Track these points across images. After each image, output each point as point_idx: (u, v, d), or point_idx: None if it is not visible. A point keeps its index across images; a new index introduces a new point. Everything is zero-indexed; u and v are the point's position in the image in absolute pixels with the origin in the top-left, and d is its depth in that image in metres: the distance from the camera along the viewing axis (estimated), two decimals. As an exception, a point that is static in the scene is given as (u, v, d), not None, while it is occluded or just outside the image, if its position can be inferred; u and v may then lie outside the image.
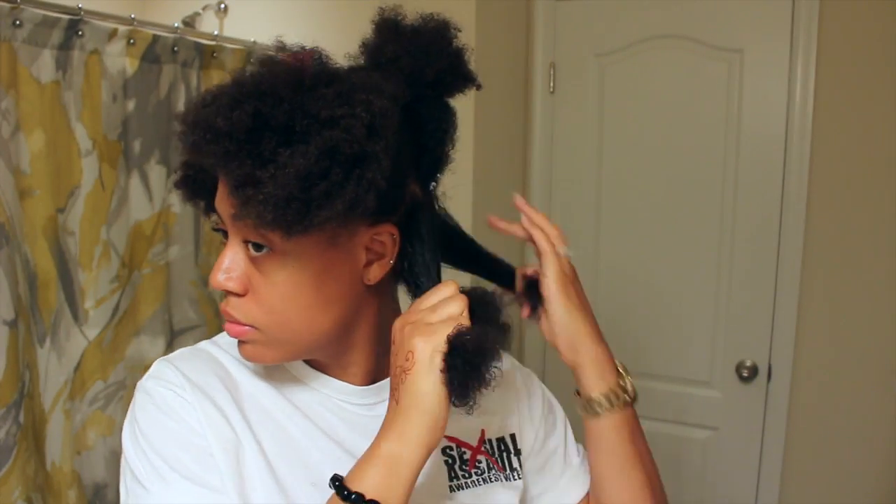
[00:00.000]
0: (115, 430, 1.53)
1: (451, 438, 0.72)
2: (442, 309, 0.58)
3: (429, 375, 0.55)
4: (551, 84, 2.08)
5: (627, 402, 0.71)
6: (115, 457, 1.51)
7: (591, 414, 0.70)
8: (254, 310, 0.60)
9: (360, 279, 0.62)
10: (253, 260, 0.59)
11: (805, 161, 1.80)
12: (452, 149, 0.67)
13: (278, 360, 0.64)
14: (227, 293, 0.61)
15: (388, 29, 0.63)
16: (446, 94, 0.65)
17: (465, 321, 0.57)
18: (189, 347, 0.70)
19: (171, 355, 0.69)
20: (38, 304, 1.39)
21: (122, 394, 1.55)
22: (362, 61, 0.64)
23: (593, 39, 2.02)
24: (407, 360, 0.56)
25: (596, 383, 0.69)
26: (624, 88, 2.00)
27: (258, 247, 0.58)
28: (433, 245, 0.64)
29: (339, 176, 0.52)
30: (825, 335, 1.83)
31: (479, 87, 0.67)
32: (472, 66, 0.67)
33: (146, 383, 0.66)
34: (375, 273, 0.62)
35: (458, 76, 0.65)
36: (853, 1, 1.72)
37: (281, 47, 0.60)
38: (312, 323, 0.61)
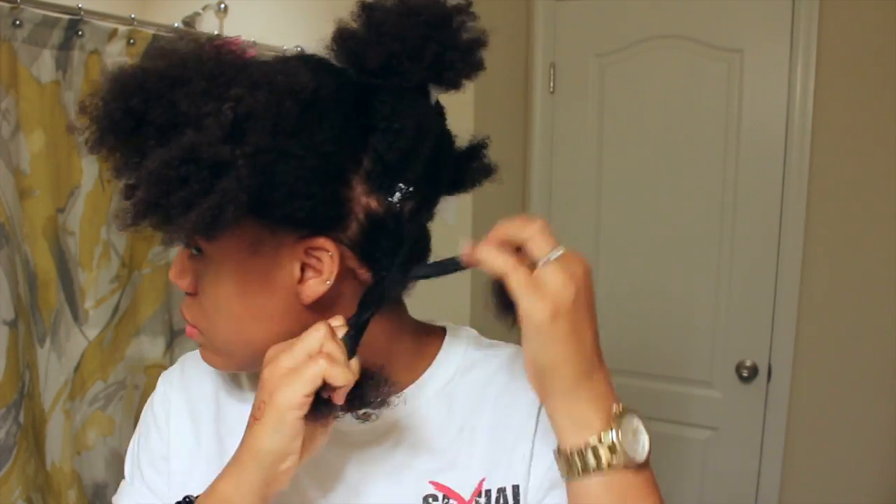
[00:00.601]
0: (115, 430, 1.53)
1: (440, 486, 0.61)
2: (299, 347, 0.50)
3: (274, 434, 0.50)
4: (551, 84, 2.08)
5: (610, 465, 0.52)
6: (115, 457, 1.51)
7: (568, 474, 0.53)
8: (196, 312, 0.58)
9: (297, 297, 0.55)
10: (192, 261, 0.57)
11: (805, 161, 1.80)
12: (416, 155, 0.54)
13: (228, 368, 0.62)
14: (185, 292, 0.60)
15: (357, 8, 0.56)
16: (407, 83, 0.54)
17: (332, 358, 0.50)
18: None
19: (196, 351, 0.70)
20: (38, 304, 1.39)
21: (123, 394, 1.55)
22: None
23: (593, 39, 2.02)
24: (259, 408, 0.51)
25: (566, 435, 0.53)
26: (624, 88, 2.00)
27: (197, 249, 0.56)
28: (407, 257, 0.55)
29: (202, 184, 0.46)
30: (825, 335, 1.83)
31: (476, 69, 0.57)
32: (482, 51, 0.56)
33: (163, 375, 0.70)
34: (310, 292, 0.54)
35: (420, 63, 0.53)
36: (853, 1, 1.72)
37: (181, 35, 0.54)
38: (243, 336, 0.57)
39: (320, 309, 0.55)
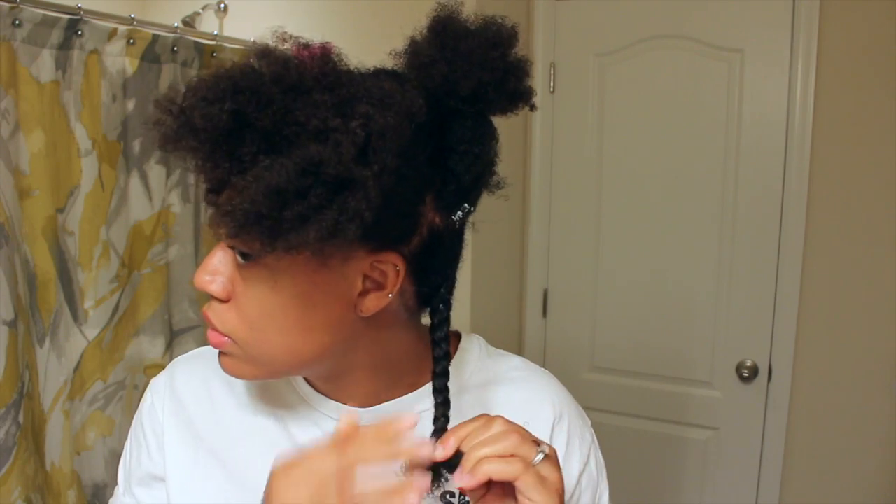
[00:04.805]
0: (114, 430, 1.53)
1: None
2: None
3: None
4: (551, 84, 2.07)
5: None
6: (114, 457, 1.51)
7: None
8: (233, 320, 0.55)
9: (354, 308, 0.55)
10: (239, 267, 0.54)
11: (805, 161, 1.80)
12: (489, 175, 0.58)
13: (257, 378, 0.60)
14: (211, 297, 0.56)
15: (436, 28, 0.55)
16: (488, 111, 0.57)
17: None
18: (208, 348, 0.67)
19: (187, 354, 0.72)
20: (38, 304, 1.39)
21: (122, 394, 1.55)
22: (404, 60, 0.57)
23: (593, 39, 2.02)
24: None
25: None
26: (624, 88, 2.00)
27: (244, 255, 0.53)
28: (451, 279, 0.58)
29: (319, 199, 0.45)
30: (825, 335, 1.83)
31: (532, 108, 0.59)
32: (532, 80, 0.58)
33: (150, 383, 0.70)
34: (371, 305, 0.55)
35: (504, 93, 0.56)
36: (853, 1, 1.72)
37: (284, 38, 0.52)
38: (292, 347, 0.55)
39: (370, 318, 0.56)
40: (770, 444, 1.91)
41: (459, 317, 1.89)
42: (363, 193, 0.45)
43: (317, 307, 0.54)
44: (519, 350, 2.14)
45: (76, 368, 1.47)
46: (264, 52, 0.50)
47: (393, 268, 0.54)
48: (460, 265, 0.60)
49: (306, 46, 0.51)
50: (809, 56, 1.77)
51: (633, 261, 2.03)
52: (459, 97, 0.54)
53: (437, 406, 0.55)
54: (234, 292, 0.55)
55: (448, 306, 0.57)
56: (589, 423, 0.70)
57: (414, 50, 0.55)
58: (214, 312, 0.56)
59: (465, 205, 0.56)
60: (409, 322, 0.60)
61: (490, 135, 0.57)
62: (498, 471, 0.49)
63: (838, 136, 1.77)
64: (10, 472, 1.28)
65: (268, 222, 0.45)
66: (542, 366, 0.73)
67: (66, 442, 1.44)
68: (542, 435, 0.64)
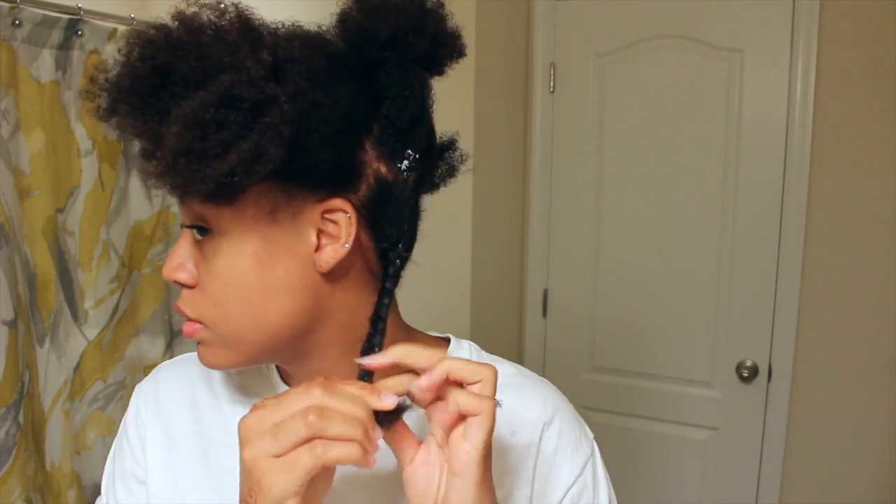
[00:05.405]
0: (114, 430, 1.53)
1: None
2: (283, 435, 0.45)
3: None
4: (551, 84, 2.08)
5: None
6: (114, 457, 1.52)
7: None
8: (200, 302, 0.55)
9: (314, 267, 0.54)
10: (198, 246, 0.55)
11: (805, 161, 1.80)
12: (423, 122, 0.57)
13: (234, 364, 0.57)
14: (181, 287, 0.56)
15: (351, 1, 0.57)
16: (412, 55, 0.56)
17: (330, 441, 0.45)
18: (193, 353, 0.66)
19: (172, 360, 0.72)
20: (38, 303, 1.39)
21: (122, 394, 1.55)
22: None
23: (593, 39, 2.02)
24: (251, 495, 0.45)
25: None
26: (624, 88, 2.00)
27: (201, 230, 0.54)
28: (407, 228, 0.56)
29: (239, 124, 0.46)
30: (825, 335, 1.83)
31: (459, 54, 0.59)
32: (458, 29, 0.59)
33: (136, 388, 0.71)
34: (328, 257, 0.53)
35: (423, 36, 0.56)
36: (853, 1, 1.72)
37: (203, 4, 0.54)
38: (257, 316, 0.54)
39: (333, 280, 0.55)
40: (770, 444, 1.91)
41: (459, 317, 1.89)
42: (277, 109, 0.47)
43: (275, 268, 0.53)
44: (519, 350, 2.14)
45: (76, 368, 1.47)
46: (176, 13, 0.52)
47: (343, 215, 0.53)
48: (420, 223, 0.59)
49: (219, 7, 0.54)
50: (809, 56, 1.77)
51: (632, 261, 2.03)
52: (379, 44, 0.55)
53: (368, 335, 0.55)
54: (199, 275, 0.55)
55: (403, 261, 0.57)
56: (591, 437, 0.66)
57: (339, 16, 0.58)
58: (184, 301, 0.56)
59: (409, 151, 0.56)
60: (376, 291, 0.58)
61: (419, 78, 0.57)
62: (466, 400, 0.48)
63: (838, 136, 1.77)
64: (10, 472, 1.28)
65: (195, 155, 0.46)
66: (543, 366, 0.71)
67: (66, 442, 1.44)
68: (530, 436, 0.62)
